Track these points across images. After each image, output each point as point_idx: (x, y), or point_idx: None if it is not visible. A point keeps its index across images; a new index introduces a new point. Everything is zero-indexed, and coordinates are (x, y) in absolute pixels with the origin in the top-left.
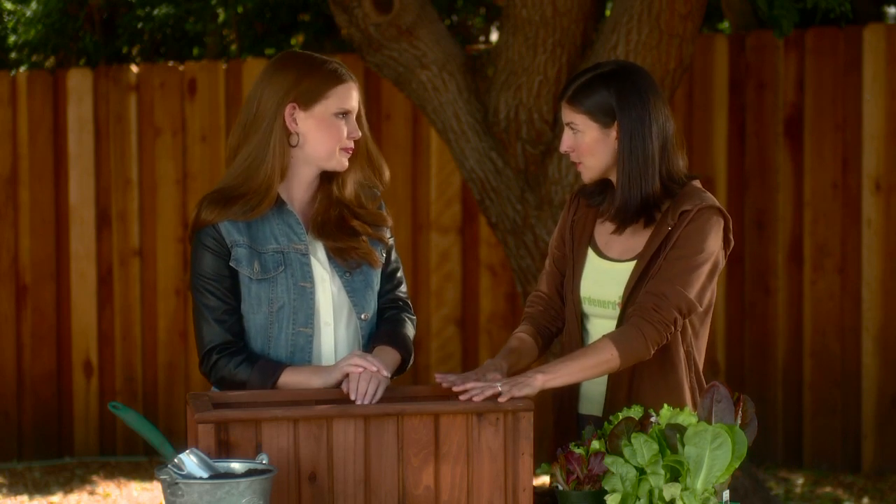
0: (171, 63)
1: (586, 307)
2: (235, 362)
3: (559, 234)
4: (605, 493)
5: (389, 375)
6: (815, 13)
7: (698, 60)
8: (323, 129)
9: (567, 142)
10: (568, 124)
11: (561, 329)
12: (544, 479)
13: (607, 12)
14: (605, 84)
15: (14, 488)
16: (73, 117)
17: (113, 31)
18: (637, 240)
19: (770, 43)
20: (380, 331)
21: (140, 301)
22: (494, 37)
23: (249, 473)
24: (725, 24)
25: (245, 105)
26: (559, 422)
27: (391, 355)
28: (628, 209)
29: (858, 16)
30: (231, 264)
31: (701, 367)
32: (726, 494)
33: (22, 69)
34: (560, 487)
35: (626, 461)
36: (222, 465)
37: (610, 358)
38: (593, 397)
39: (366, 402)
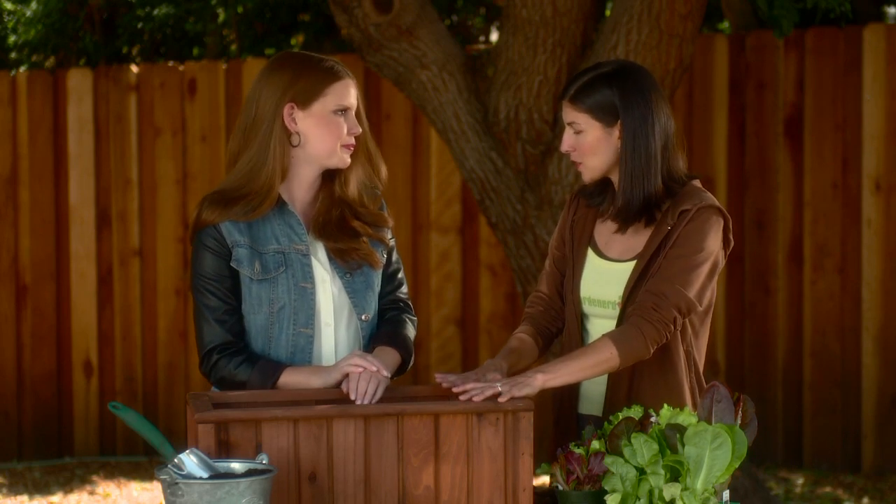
0: (171, 63)
1: (586, 307)
2: (236, 362)
3: (559, 234)
4: (605, 493)
5: (389, 375)
6: (815, 13)
7: (698, 60)
8: (323, 126)
9: (568, 141)
10: (570, 124)
11: (561, 329)
12: (544, 479)
13: (607, 12)
14: (607, 83)
15: (14, 488)
16: (73, 117)
17: (113, 31)
18: (637, 240)
19: (770, 43)
20: (380, 331)
21: (140, 301)
22: (494, 37)
23: (249, 473)
24: (725, 24)
25: (244, 109)
26: (559, 422)
27: (391, 356)
28: (631, 209)
29: (858, 16)
30: (232, 264)
31: (701, 367)
32: (726, 494)
33: (22, 69)
34: (560, 487)
35: (626, 461)
36: (222, 465)
37: (609, 357)
38: (593, 397)
39: (366, 401)
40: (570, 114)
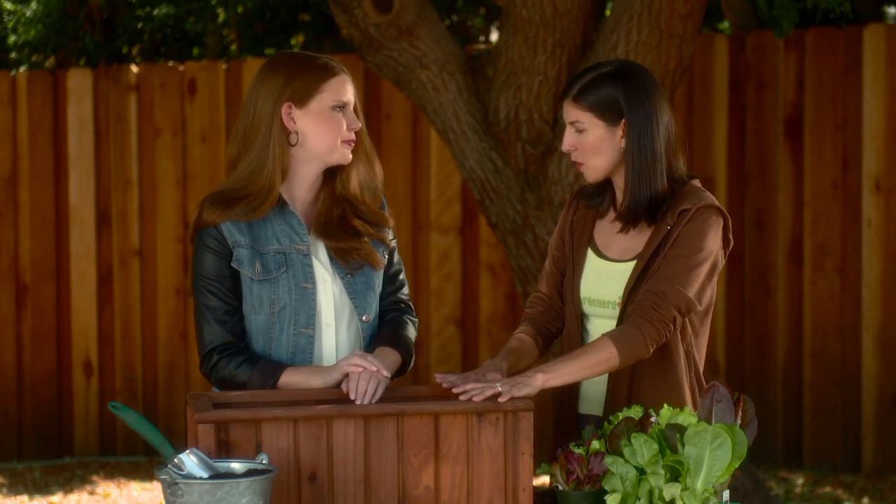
0: (171, 63)
1: (586, 307)
2: (236, 363)
3: (559, 234)
4: (605, 493)
5: (389, 375)
6: (815, 13)
7: (698, 60)
8: (321, 123)
9: (569, 140)
10: (572, 123)
11: (561, 329)
12: (544, 479)
13: (607, 12)
14: (611, 82)
15: (14, 488)
16: (73, 117)
17: (113, 31)
18: (637, 240)
19: (770, 43)
20: (381, 332)
21: (140, 301)
22: (494, 37)
23: (249, 473)
24: (725, 24)
25: (242, 111)
26: (559, 422)
27: (392, 356)
28: (638, 209)
29: (858, 16)
30: (232, 265)
31: (701, 366)
32: (726, 494)
33: (22, 69)
34: (560, 487)
35: (626, 461)
36: (222, 465)
37: (609, 357)
38: (593, 397)
39: (365, 401)
40: (572, 113)
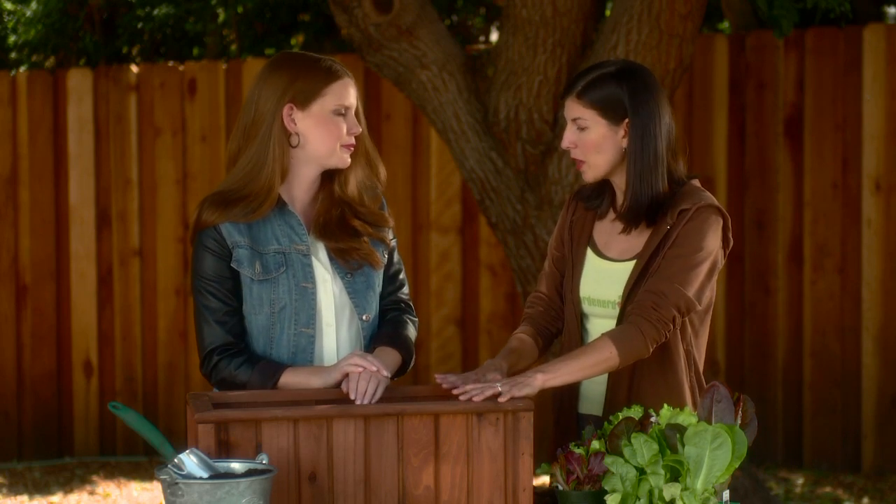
0: (171, 63)
1: (586, 307)
2: (236, 363)
3: (558, 234)
4: (605, 493)
5: (389, 375)
6: (815, 13)
7: (698, 60)
8: (322, 127)
9: (570, 138)
10: (574, 120)
11: (561, 329)
12: (544, 479)
13: (607, 12)
14: (616, 81)
15: (14, 488)
16: (73, 117)
17: (113, 31)
18: (636, 239)
19: (770, 43)
20: (381, 332)
21: (140, 301)
22: (494, 37)
23: (249, 473)
24: (725, 24)
25: (243, 109)
26: (559, 422)
27: (392, 356)
28: (639, 209)
29: (858, 16)
30: (232, 265)
31: (701, 366)
32: (726, 494)
33: (22, 69)
34: (560, 487)
35: (626, 461)
36: (222, 465)
37: (609, 356)
38: (593, 397)
39: (365, 401)
40: (575, 109)
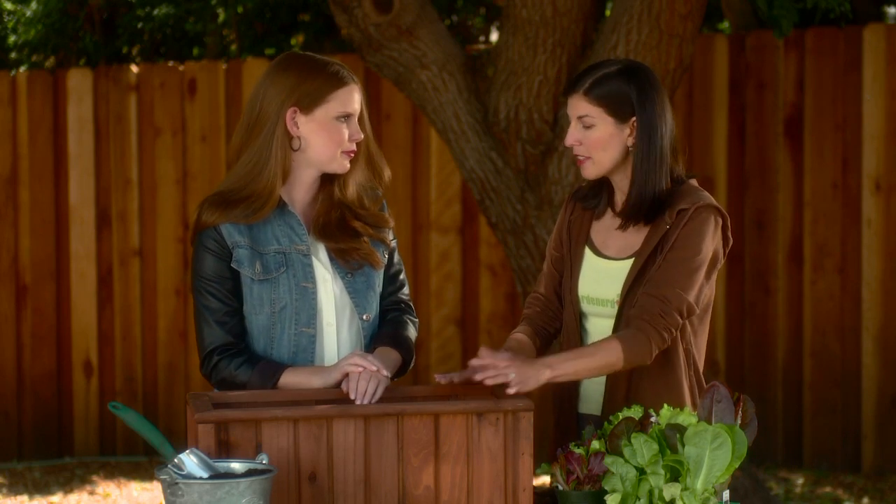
0: (171, 63)
1: (584, 306)
2: (236, 364)
3: (556, 235)
4: (605, 493)
5: (389, 375)
6: (815, 13)
7: (698, 60)
8: (324, 132)
9: (575, 135)
10: (580, 118)
11: (559, 330)
12: (544, 479)
13: (607, 12)
14: (623, 79)
15: (14, 488)
16: (73, 117)
17: (113, 31)
18: (634, 237)
19: (770, 43)
20: (381, 332)
21: (140, 301)
22: (494, 37)
23: (249, 473)
24: (725, 24)
25: (247, 108)
26: (559, 422)
27: (392, 356)
28: (641, 207)
29: (858, 16)
30: (233, 265)
31: (701, 366)
32: (726, 494)
33: (22, 69)
34: (560, 487)
35: (626, 461)
36: (222, 465)
37: (616, 361)
38: (593, 397)
39: (365, 401)
40: (581, 107)
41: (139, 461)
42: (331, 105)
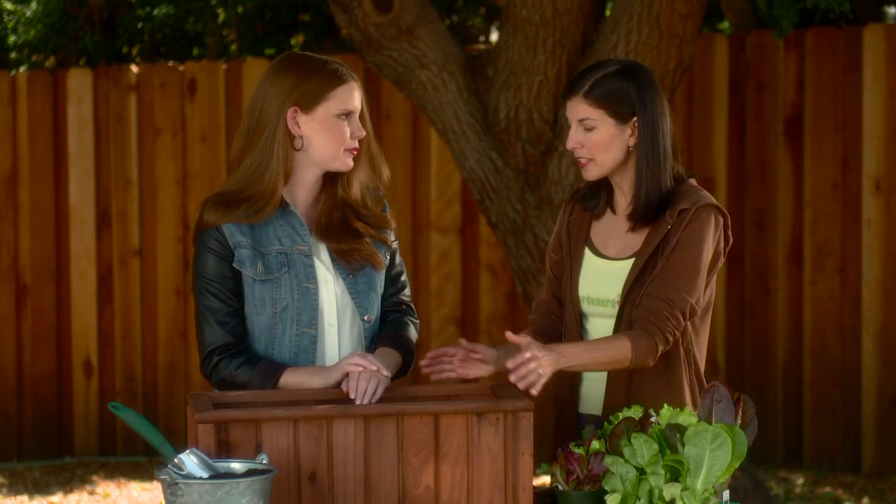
0: (171, 63)
1: (585, 306)
2: (236, 364)
3: (556, 237)
4: (605, 493)
5: (390, 375)
6: (815, 13)
7: (698, 60)
8: (326, 131)
9: (576, 138)
10: (580, 121)
11: (562, 333)
12: (544, 479)
13: (607, 12)
14: (623, 79)
15: (14, 488)
16: (73, 117)
17: (113, 31)
18: (634, 237)
19: (770, 43)
20: (382, 333)
21: (140, 301)
22: (494, 37)
23: (249, 473)
24: (725, 24)
25: (248, 110)
26: (559, 422)
27: (392, 356)
28: (649, 208)
29: (858, 16)
30: (234, 265)
31: (702, 365)
32: (726, 494)
33: (22, 69)
34: (560, 487)
35: (626, 461)
36: (222, 465)
37: (624, 359)
38: (593, 397)
39: (365, 401)
40: (581, 110)
41: (139, 461)
42: (331, 103)
